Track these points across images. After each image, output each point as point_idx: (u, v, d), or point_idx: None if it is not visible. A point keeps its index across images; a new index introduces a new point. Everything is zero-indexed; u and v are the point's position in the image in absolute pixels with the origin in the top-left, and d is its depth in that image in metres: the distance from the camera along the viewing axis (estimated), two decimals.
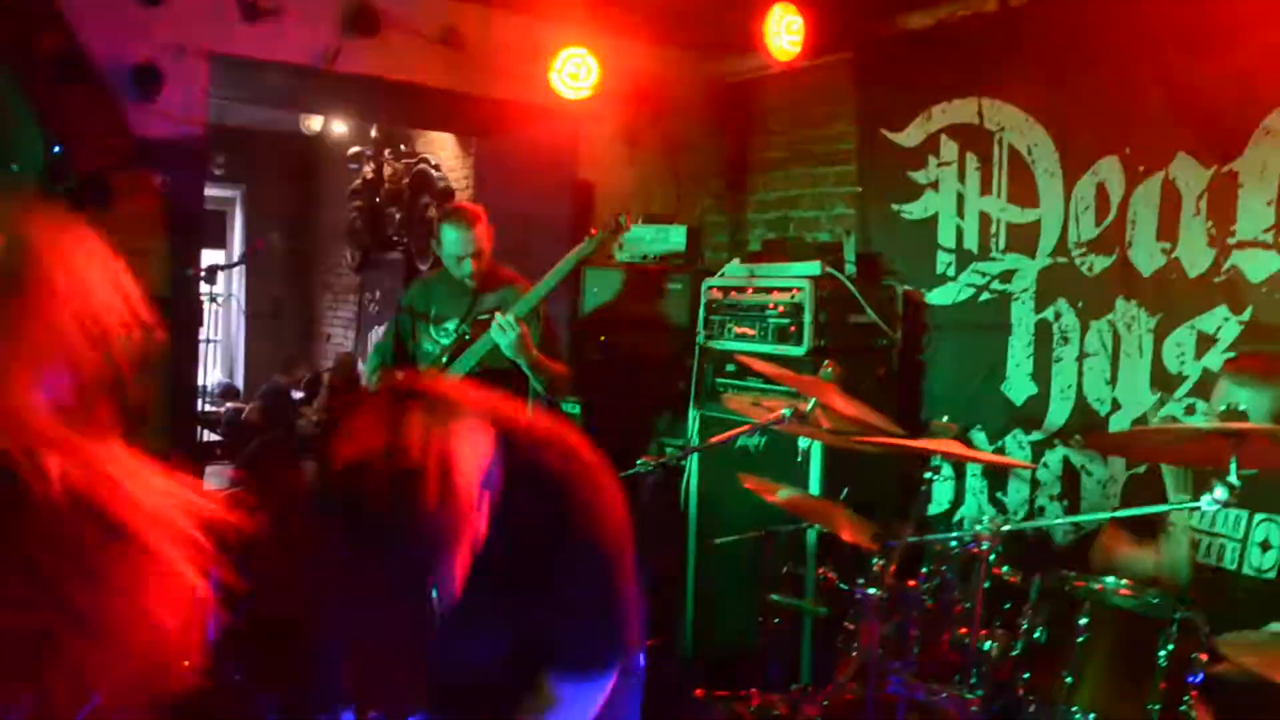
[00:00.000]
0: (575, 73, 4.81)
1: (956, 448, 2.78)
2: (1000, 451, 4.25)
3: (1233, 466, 2.10)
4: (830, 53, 4.86)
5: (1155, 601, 2.35)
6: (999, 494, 4.29)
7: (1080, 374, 4.03)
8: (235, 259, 9.61)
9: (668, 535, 4.46)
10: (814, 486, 4.05)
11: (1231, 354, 3.55)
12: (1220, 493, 2.11)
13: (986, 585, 2.46)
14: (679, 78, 5.41)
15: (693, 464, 4.56)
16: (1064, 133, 4.11)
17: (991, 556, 2.48)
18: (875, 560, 2.74)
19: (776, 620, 3.41)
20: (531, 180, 5.78)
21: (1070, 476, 4.05)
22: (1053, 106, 4.14)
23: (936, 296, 4.48)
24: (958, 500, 4.38)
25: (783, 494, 3.25)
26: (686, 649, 4.57)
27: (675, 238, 4.89)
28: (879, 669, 2.61)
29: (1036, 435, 4.14)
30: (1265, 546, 3.08)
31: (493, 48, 4.92)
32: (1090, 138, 4.01)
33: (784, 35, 4.59)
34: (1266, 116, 3.55)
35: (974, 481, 4.37)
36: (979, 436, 4.33)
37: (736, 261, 4.57)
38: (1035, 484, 4.16)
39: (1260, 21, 3.51)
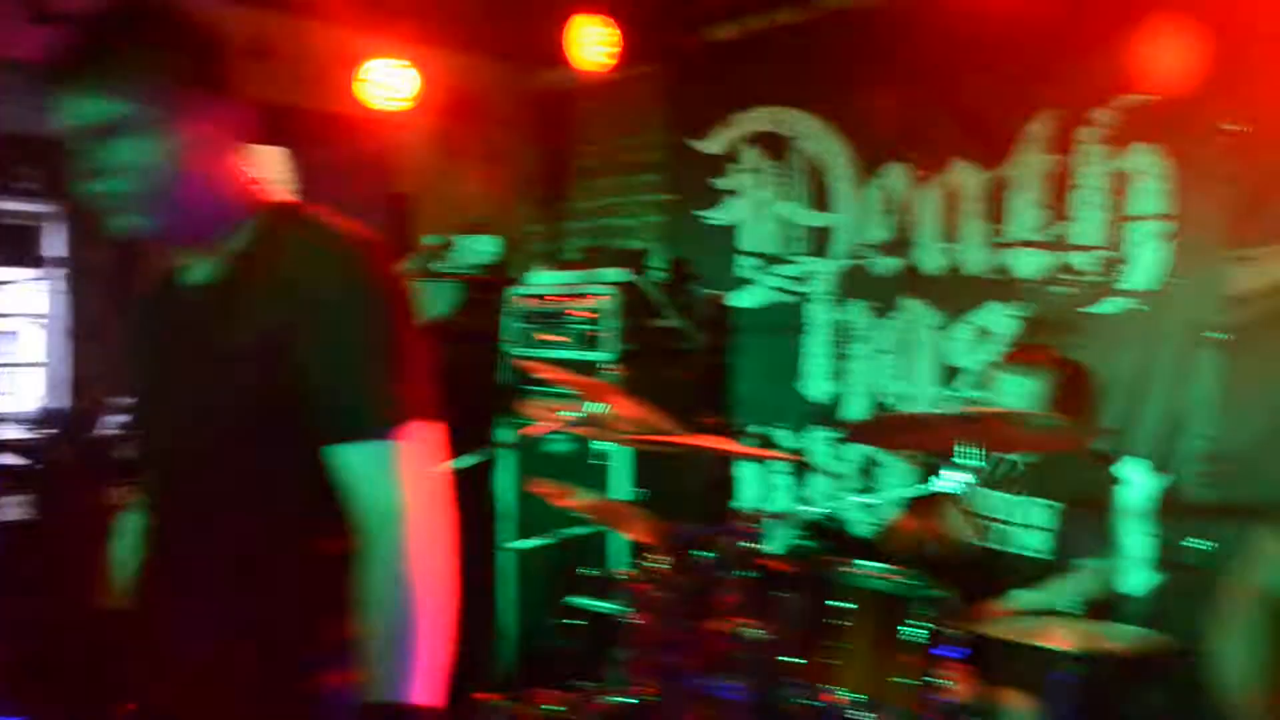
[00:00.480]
0: (390, 84, 4.77)
1: (724, 443, 2.86)
2: (802, 449, 4.38)
3: (972, 449, 2.22)
4: (639, 63, 4.94)
5: (908, 582, 2.46)
6: (804, 490, 4.42)
7: (873, 371, 4.19)
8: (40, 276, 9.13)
9: (478, 540, 4.45)
10: (619, 489, 4.10)
11: (1006, 348, 3.74)
12: (958, 474, 2.22)
13: (755, 575, 2.53)
14: (496, 88, 5.42)
15: (506, 467, 4.55)
16: (855, 140, 4.28)
17: (761, 546, 2.55)
18: (658, 558, 2.79)
19: (576, 622, 3.44)
20: (349, 192, 5.70)
21: (868, 469, 4.20)
22: (845, 115, 4.30)
23: (740, 300, 4.60)
24: (765, 498, 4.49)
25: (574, 498, 3.27)
26: (507, 654, 4.56)
27: (493, 248, 4.89)
28: (657, 663, 2.65)
29: (836, 431, 4.28)
30: (1036, 528, 3.26)
31: (304, 58, 4.83)
32: (879, 145, 4.19)
33: (594, 47, 4.64)
34: (1031, 122, 3.76)
35: (780, 479, 4.48)
36: (782, 435, 4.45)
37: (545, 269, 4.60)
38: (838, 477, 4.30)
39: (1025, 35, 3.72)
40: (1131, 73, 3.50)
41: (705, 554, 2.66)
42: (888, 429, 2.80)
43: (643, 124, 5.13)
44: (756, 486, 4.53)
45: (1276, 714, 1.52)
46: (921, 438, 2.55)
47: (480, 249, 4.91)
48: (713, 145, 4.72)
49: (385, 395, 1.44)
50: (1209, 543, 3.35)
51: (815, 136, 4.38)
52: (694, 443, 2.80)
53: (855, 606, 2.47)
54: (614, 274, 4.33)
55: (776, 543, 4.35)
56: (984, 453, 2.25)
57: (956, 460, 2.21)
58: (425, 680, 1.36)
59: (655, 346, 4.33)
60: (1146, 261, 3.51)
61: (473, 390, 4.73)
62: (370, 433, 1.43)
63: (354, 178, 5.65)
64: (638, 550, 3.38)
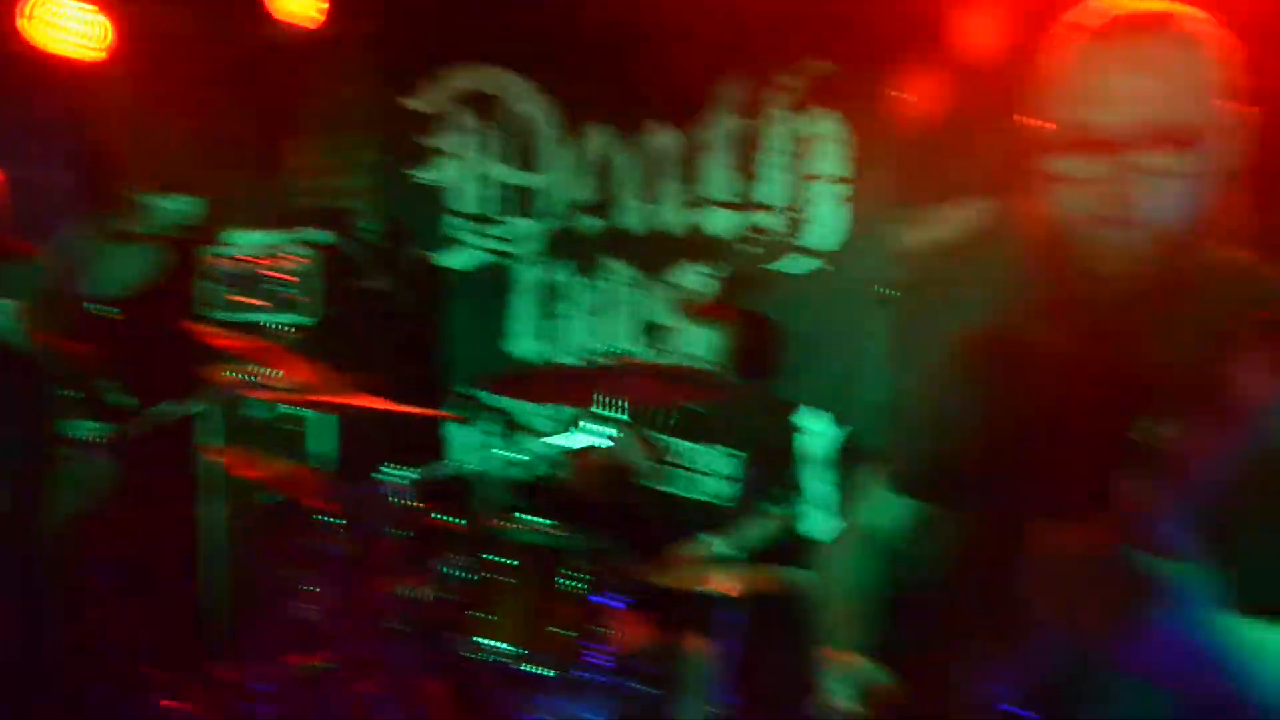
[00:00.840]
0: (87, 31, 4.41)
1: (382, 403, 2.80)
2: (513, 413, 4.37)
3: (611, 402, 2.24)
4: (351, 19, 4.76)
5: (566, 535, 2.47)
6: (516, 449, 4.41)
7: (579, 330, 4.22)
8: None
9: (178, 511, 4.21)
10: (315, 456, 3.96)
11: (691, 301, 3.84)
12: (597, 425, 2.24)
13: (420, 534, 2.49)
14: (201, 38, 5.09)
15: (206, 435, 4.32)
16: (560, 100, 4.27)
17: (418, 504, 2.51)
18: (333, 521, 2.71)
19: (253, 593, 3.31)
20: (40, 145, 5.25)
21: (573, 425, 4.23)
22: (551, 75, 4.29)
23: (450, 261, 4.53)
24: (475, 458, 4.45)
25: (260, 466, 3.13)
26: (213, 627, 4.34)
27: (195, 208, 4.61)
28: (332, 628, 2.58)
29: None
30: (714, 474, 3.36)
31: None
32: (583, 105, 4.20)
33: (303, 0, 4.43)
34: (724, 88, 3.85)
35: (490, 439, 4.45)
36: (495, 397, 4.41)
37: (247, 229, 4.38)
38: (544, 436, 4.31)
39: (716, 1, 3.80)
40: (814, 40, 3.65)
41: (371, 515, 2.60)
42: (529, 382, 2.80)
43: (354, 81, 4.94)
44: (466, 446, 4.48)
45: (856, 642, 1.61)
46: (565, 391, 2.57)
47: (178, 207, 4.62)
48: (423, 103, 4.61)
49: None
50: None
51: (522, 96, 4.35)
52: (363, 403, 2.72)
53: (518, 561, 2.46)
54: (317, 234, 4.17)
55: (482, 502, 4.33)
56: (634, 404, 2.27)
57: (603, 413, 2.23)
58: None
59: (361, 309, 4.20)
60: (826, 221, 3.67)
61: (169, 355, 4.47)
62: None
63: (48, 129, 5.21)
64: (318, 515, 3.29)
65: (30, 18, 4.30)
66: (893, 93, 3.52)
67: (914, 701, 1.35)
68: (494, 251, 4.42)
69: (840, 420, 3.65)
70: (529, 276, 4.34)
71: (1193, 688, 1.00)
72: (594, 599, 2.47)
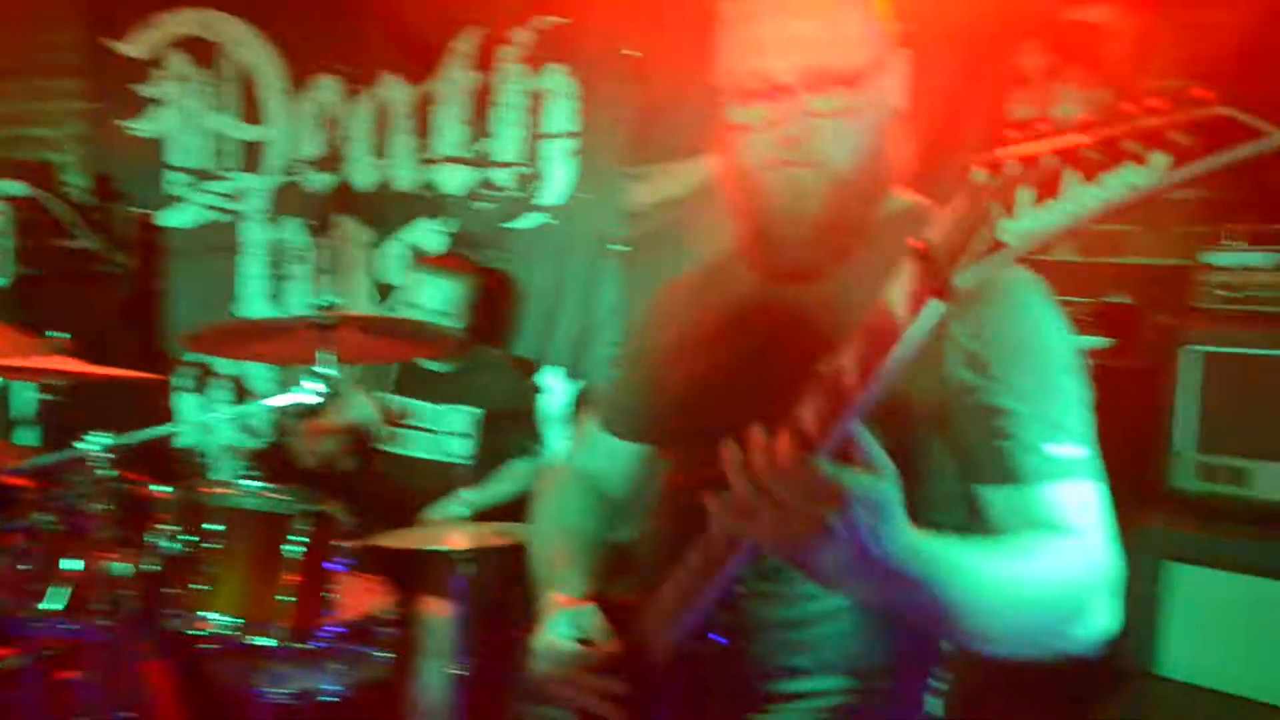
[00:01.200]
0: None
1: (75, 365, 2.62)
2: (243, 378, 4.18)
3: (327, 357, 2.18)
4: None
5: (284, 499, 2.39)
6: (248, 419, 4.22)
7: (314, 290, 4.07)
8: None
9: None
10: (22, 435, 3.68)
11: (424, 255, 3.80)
12: (311, 384, 2.17)
13: (117, 506, 2.34)
14: None
15: None
16: (287, 50, 4.08)
17: (125, 473, 2.36)
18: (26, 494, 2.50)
19: None
20: None
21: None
22: (277, 24, 4.09)
23: (170, 219, 4.26)
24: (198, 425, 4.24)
25: None
26: None
27: None
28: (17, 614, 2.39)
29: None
30: (456, 434, 3.34)
31: None
32: (311, 56, 4.03)
33: None
34: (455, 38, 3.78)
35: (222, 408, 4.25)
36: (223, 362, 4.21)
37: None
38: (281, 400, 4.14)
39: None
40: None
41: (71, 487, 2.42)
42: (231, 337, 2.68)
43: (56, 20, 4.54)
44: (193, 413, 4.26)
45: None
46: (275, 346, 2.47)
47: None
48: (135, 48, 4.29)
49: None
50: None
51: (245, 44, 4.12)
52: (26, 366, 2.52)
53: (236, 528, 2.35)
54: (12, 187, 3.82)
55: (201, 468, 4.14)
56: (356, 361, 2.21)
57: (316, 370, 2.16)
58: None
59: (66, 269, 3.90)
60: (558, 178, 3.68)
61: None
62: None
63: None
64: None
65: None
66: (623, 50, 3.55)
67: (629, 638, 1.38)
68: (218, 209, 4.19)
69: (574, 375, 3.69)
70: (256, 235, 4.14)
71: (877, 596, 1.05)
72: (322, 564, 2.40)
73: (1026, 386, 1.22)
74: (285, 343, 2.35)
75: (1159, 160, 0.78)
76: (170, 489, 2.39)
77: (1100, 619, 1.18)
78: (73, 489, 2.31)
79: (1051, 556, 1.16)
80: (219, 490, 2.37)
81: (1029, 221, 0.85)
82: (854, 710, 1.36)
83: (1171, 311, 2.31)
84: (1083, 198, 0.83)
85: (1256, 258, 2.32)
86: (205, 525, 2.34)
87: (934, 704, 1.42)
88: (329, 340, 2.18)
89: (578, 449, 1.81)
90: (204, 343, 2.77)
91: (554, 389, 3.68)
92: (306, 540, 2.39)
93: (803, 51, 1.27)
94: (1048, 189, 0.84)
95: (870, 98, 1.31)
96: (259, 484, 2.41)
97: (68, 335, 3.10)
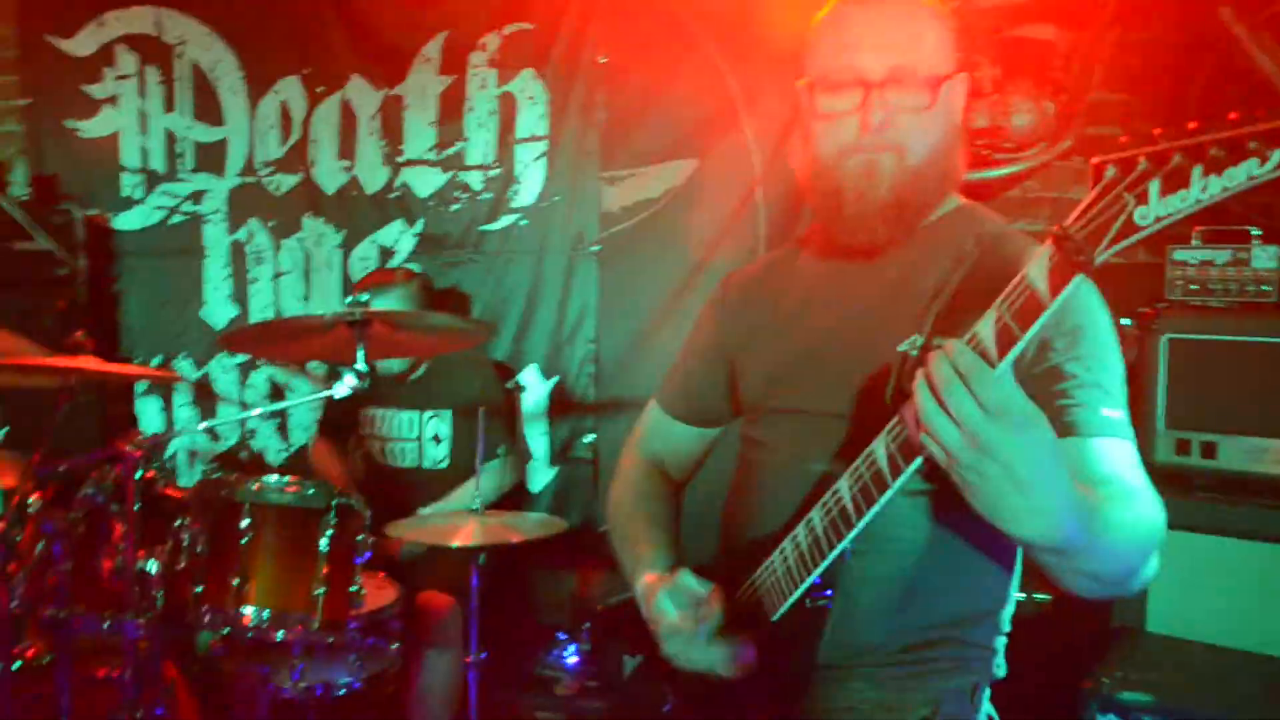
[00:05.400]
0: None
1: (94, 364, 2.60)
2: (208, 379, 4.14)
3: (360, 355, 2.22)
4: None
5: (312, 493, 2.42)
6: (210, 420, 4.18)
7: (277, 293, 4.06)
8: None
9: None
10: None
11: (411, 265, 3.81)
12: (350, 379, 2.21)
13: (146, 504, 2.34)
14: None
15: None
16: (247, 51, 4.06)
17: (150, 474, 2.36)
18: (30, 500, 2.47)
19: None
20: None
21: (277, 395, 4.08)
22: (236, 23, 4.06)
23: (124, 221, 4.19)
24: (169, 432, 4.17)
25: None
26: None
27: None
28: (46, 616, 2.37)
29: (240, 358, 4.09)
30: (437, 440, 3.38)
31: None
32: (273, 57, 4.02)
33: None
34: (426, 45, 3.82)
35: (185, 411, 4.20)
36: (185, 365, 4.16)
37: None
38: (244, 406, 4.12)
39: None
40: (517, 3, 3.71)
41: (93, 487, 2.40)
42: (262, 336, 2.70)
43: None
44: (160, 421, 4.20)
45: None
46: (306, 344, 2.50)
47: None
48: (81, 46, 4.21)
49: None
50: (593, 435, 3.73)
51: (202, 43, 4.08)
52: (72, 366, 2.50)
53: (257, 523, 2.37)
54: None
55: (187, 477, 4.10)
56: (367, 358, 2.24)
57: (346, 367, 2.20)
58: None
59: (17, 274, 3.82)
60: (533, 181, 3.75)
61: None
62: None
63: None
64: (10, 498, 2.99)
65: None
66: (595, 55, 3.65)
67: (735, 602, 1.49)
68: (177, 211, 4.14)
69: (550, 372, 3.76)
70: (216, 238, 4.10)
71: (1030, 525, 1.14)
72: (343, 558, 2.43)
73: (1084, 356, 1.39)
74: (317, 340, 2.38)
75: (1277, 156, 0.97)
76: (194, 486, 2.39)
77: (1152, 566, 1.33)
78: (101, 488, 2.30)
79: (1140, 506, 1.31)
80: (245, 485, 2.38)
81: (1160, 208, 1.02)
82: (950, 665, 1.50)
83: (1147, 302, 2.53)
84: (1211, 188, 1.01)
85: (1212, 254, 2.56)
86: (232, 521, 2.35)
87: (1001, 649, 1.57)
88: (361, 337, 2.22)
89: (643, 436, 1.91)
90: (238, 341, 2.77)
91: (531, 386, 3.75)
92: (333, 534, 2.42)
93: (891, 52, 1.45)
94: (1177, 181, 1.01)
95: (943, 104, 1.48)
96: (284, 478, 2.43)
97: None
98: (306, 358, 2.68)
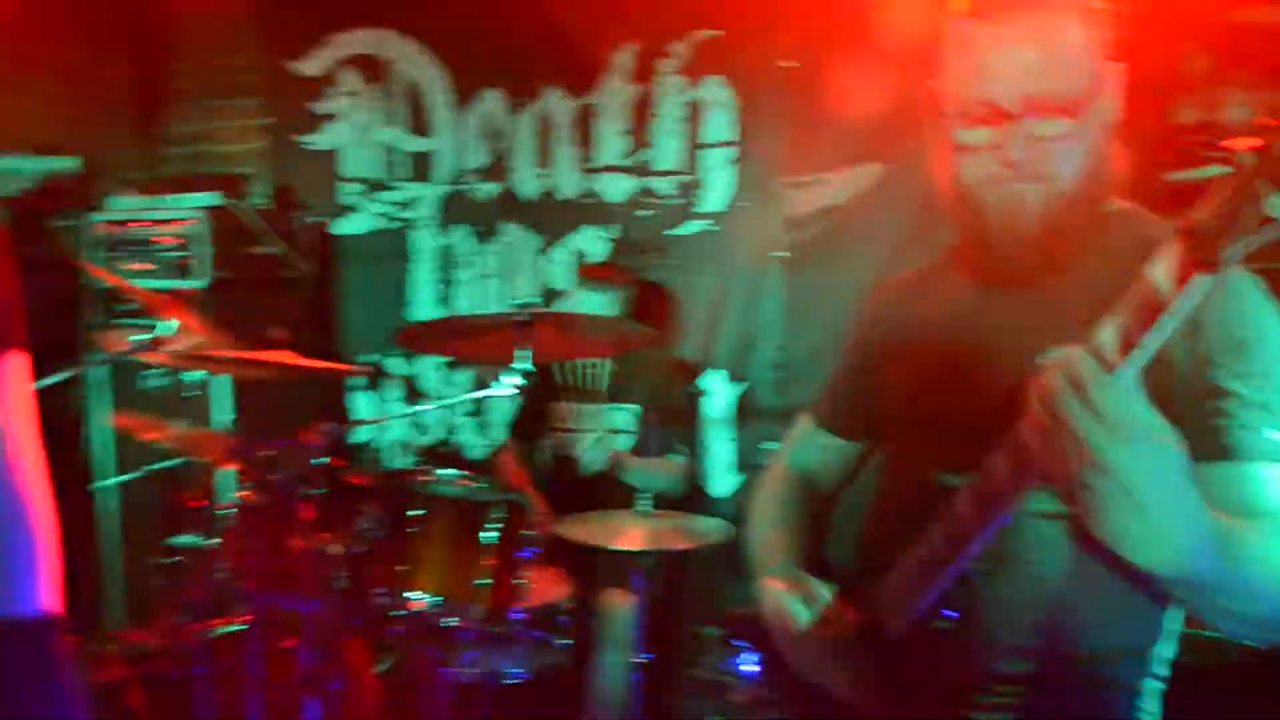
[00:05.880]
0: None
1: (290, 358, 2.80)
2: (415, 378, 4.39)
3: (524, 353, 2.31)
4: None
5: (482, 488, 2.54)
6: (419, 417, 4.43)
7: (481, 295, 4.26)
8: None
9: (72, 478, 4.11)
10: (216, 421, 3.92)
11: (583, 265, 3.94)
12: (513, 378, 2.31)
13: (333, 490, 2.53)
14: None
15: (98, 403, 4.23)
16: (453, 65, 4.28)
17: (331, 461, 2.54)
18: (242, 481, 2.71)
19: (171, 559, 3.28)
20: None
21: (479, 390, 4.26)
22: (443, 40, 4.29)
23: (345, 227, 4.50)
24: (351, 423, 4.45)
25: (161, 431, 3.10)
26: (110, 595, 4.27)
27: (61, 168, 4.47)
28: (246, 588, 2.59)
29: (447, 357, 4.32)
30: (621, 432, 3.46)
31: None
32: (477, 72, 4.22)
33: None
34: (617, 55, 3.92)
35: (395, 406, 4.47)
36: (396, 362, 4.43)
37: (130, 194, 4.28)
38: (449, 401, 4.34)
39: None
40: (706, 10, 3.75)
41: (284, 471, 2.61)
42: (439, 333, 2.83)
43: (239, 44, 4.85)
44: (371, 413, 4.49)
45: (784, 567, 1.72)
46: (476, 343, 2.62)
47: (44, 170, 4.47)
48: (311, 67, 4.55)
49: None
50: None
51: (413, 60, 4.34)
52: (250, 358, 2.72)
53: (434, 514, 2.51)
54: (205, 199, 4.10)
55: (393, 459, 4.37)
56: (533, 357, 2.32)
57: (514, 365, 2.30)
58: (47, 590, 1.18)
59: (254, 275, 4.16)
60: (720, 187, 3.79)
61: (49, 325, 4.34)
62: None
63: None
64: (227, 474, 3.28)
65: None
66: (781, 60, 3.64)
67: (862, 612, 1.47)
68: (389, 218, 4.42)
69: (735, 378, 3.78)
70: (425, 243, 4.35)
71: (1156, 553, 1.08)
72: (510, 552, 2.54)
73: (1248, 372, 1.26)
74: (486, 339, 2.50)
75: None
76: (374, 475, 2.56)
77: None
78: (290, 474, 2.50)
79: None
80: (419, 478, 2.52)
81: None
82: (1078, 693, 1.41)
83: None
84: None
85: None
86: (408, 510, 2.51)
87: (1152, 693, 1.45)
88: (527, 337, 2.31)
89: (793, 448, 1.90)
90: (412, 339, 2.94)
91: (716, 391, 3.78)
92: (501, 527, 2.53)
93: (1026, 79, 1.32)
94: None
95: (1090, 118, 1.34)
96: (457, 472, 2.56)
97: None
98: (478, 356, 2.81)
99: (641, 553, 2.78)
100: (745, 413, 3.81)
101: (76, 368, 3.68)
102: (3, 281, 1.28)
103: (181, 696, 2.52)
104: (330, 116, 4.52)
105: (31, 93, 4.93)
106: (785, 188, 3.67)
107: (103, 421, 4.17)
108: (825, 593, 1.46)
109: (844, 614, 1.44)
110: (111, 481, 3.49)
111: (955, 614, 1.33)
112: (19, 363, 1.26)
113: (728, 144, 3.76)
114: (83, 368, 3.57)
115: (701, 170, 3.81)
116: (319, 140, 4.54)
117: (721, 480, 3.80)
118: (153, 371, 4.01)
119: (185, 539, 3.32)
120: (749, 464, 3.79)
